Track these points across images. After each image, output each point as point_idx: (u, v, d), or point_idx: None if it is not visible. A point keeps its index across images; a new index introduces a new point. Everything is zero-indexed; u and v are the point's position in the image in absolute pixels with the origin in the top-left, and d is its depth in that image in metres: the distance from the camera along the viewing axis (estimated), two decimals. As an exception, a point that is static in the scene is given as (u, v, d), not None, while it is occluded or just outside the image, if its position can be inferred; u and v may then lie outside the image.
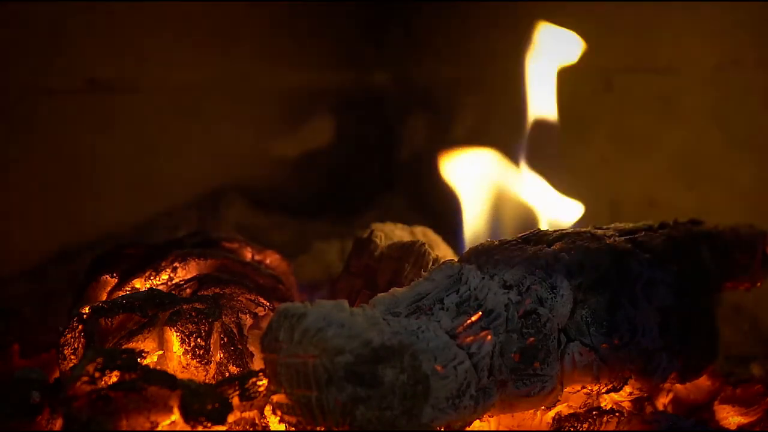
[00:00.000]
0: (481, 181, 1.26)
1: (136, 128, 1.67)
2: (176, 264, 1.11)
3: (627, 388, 0.98)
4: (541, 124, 1.27)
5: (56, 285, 1.52)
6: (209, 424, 0.86)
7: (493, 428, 0.97)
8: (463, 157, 1.27)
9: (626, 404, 1.02)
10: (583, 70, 1.65)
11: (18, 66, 1.50)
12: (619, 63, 1.61)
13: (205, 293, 1.07)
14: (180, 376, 0.91)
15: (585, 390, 0.98)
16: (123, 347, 0.98)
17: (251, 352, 1.04)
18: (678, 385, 1.05)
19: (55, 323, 1.08)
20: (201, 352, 1.00)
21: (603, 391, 0.98)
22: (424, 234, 1.28)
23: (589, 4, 1.59)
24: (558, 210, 1.24)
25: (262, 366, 0.90)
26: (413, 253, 1.10)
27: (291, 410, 0.85)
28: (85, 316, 1.01)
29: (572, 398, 0.99)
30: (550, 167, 1.28)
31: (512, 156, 1.28)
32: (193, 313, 1.01)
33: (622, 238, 1.00)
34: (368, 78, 1.98)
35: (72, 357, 1.01)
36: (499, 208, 1.24)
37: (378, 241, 1.16)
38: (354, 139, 1.98)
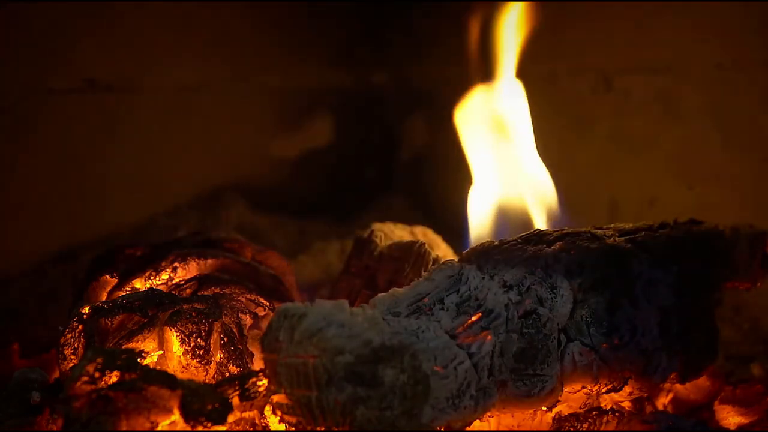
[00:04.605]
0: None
1: (136, 128, 1.67)
2: (176, 264, 1.11)
3: (627, 388, 0.98)
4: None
5: (56, 285, 1.52)
6: (209, 424, 0.86)
7: (493, 428, 0.97)
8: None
9: (626, 404, 1.02)
10: (583, 70, 1.65)
11: (18, 66, 1.50)
12: (619, 63, 1.61)
13: (205, 293, 1.07)
14: (180, 376, 0.91)
15: (585, 390, 0.98)
16: (123, 347, 0.98)
17: (251, 352, 1.04)
18: (678, 385, 1.05)
19: (55, 323, 1.08)
20: (201, 352, 1.00)
21: (603, 391, 0.98)
22: (424, 234, 1.28)
23: (588, 4, 1.59)
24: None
25: (262, 366, 0.90)
26: (413, 253, 1.10)
27: (291, 410, 0.85)
28: (85, 316, 1.02)
29: (572, 398, 0.99)
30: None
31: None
32: (193, 313, 1.01)
33: (622, 238, 1.00)
34: (368, 78, 1.98)
35: (72, 357, 1.01)
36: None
37: (378, 241, 1.16)
38: (354, 139, 1.98)
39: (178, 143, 1.73)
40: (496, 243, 1.01)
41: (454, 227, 1.33)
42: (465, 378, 0.88)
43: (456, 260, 1.00)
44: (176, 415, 0.87)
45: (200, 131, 1.77)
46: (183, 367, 1.00)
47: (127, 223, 1.67)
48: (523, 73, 1.36)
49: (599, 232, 1.01)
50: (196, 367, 1.00)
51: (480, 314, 0.91)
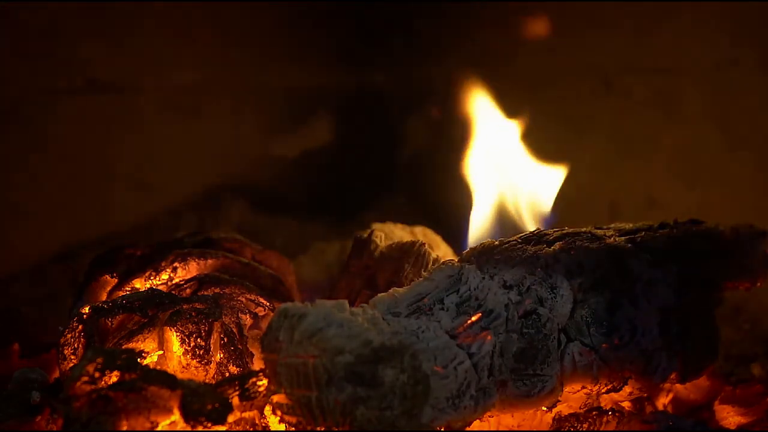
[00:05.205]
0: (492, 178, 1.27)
1: (136, 128, 1.67)
2: (176, 264, 1.11)
3: (627, 388, 0.98)
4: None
5: (56, 285, 1.52)
6: (209, 424, 0.86)
7: (493, 428, 0.97)
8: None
9: (626, 404, 1.02)
10: (583, 70, 1.65)
11: (18, 66, 1.50)
12: (619, 63, 1.61)
13: (205, 293, 1.07)
14: (180, 376, 0.91)
15: (585, 390, 0.98)
16: (123, 347, 0.98)
17: (251, 352, 1.04)
18: (678, 385, 1.05)
19: (55, 323, 1.08)
20: (201, 352, 1.00)
21: (603, 391, 0.98)
22: (424, 234, 1.28)
23: (589, 4, 1.59)
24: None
25: (262, 366, 0.90)
26: (413, 253, 1.10)
27: (291, 410, 0.85)
28: (85, 316, 1.01)
29: (572, 398, 0.99)
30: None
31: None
32: (193, 313, 1.01)
33: (622, 238, 1.00)
34: (368, 78, 1.98)
35: (72, 357, 1.01)
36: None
37: (378, 241, 1.16)
38: (354, 139, 1.98)
39: (178, 143, 1.73)
40: (496, 243, 1.01)
41: (454, 227, 1.33)
42: (465, 378, 0.88)
43: (456, 260, 1.00)
44: (176, 415, 0.87)
45: (200, 131, 1.77)
46: (183, 367, 1.00)
47: (127, 223, 1.67)
48: (523, 73, 1.36)
49: (599, 232, 1.01)
50: (196, 367, 1.00)
51: (480, 314, 0.91)
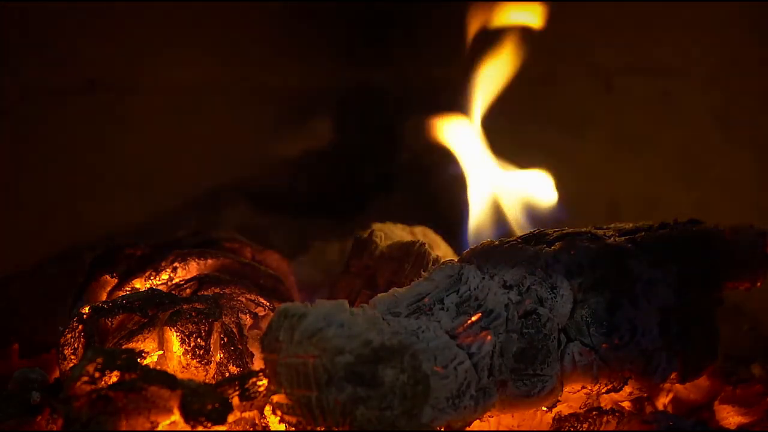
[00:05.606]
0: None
1: (136, 128, 1.67)
2: (176, 264, 1.11)
3: (627, 388, 0.98)
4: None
5: (56, 285, 1.52)
6: (209, 424, 0.86)
7: (493, 428, 0.97)
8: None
9: (626, 404, 1.02)
10: (583, 70, 1.65)
11: (18, 66, 1.50)
12: (619, 63, 1.61)
13: (205, 293, 1.07)
14: (180, 376, 0.91)
15: (585, 390, 0.98)
16: (123, 347, 0.98)
17: (251, 352, 1.04)
18: (678, 385, 1.05)
19: (55, 323, 1.08)
20: (201, 352, 1.00)
21: (603, 391, 0.98)
22: (424, 234, 1.28)
23: (589, 4, 1.59)
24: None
25: (262, 366, 0.90)
26: (413, 253, 1.10)
27: (291, 410, 0.85)
28: (85, 316, 1.02)
29: (572, 398, 0.99)
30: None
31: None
32: (193, 313, 1.01)
33: (622, 238, 1.00)
34: (368, 78, 1.98)
35: (72, 357, 1.01)
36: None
37: (378, 241, 1.16)
38: (354, 139, 1.98)
39: (178, 143, 1.73)
40: (496, 243, 1.01)
41: (454, 227, 1.33)
42: (465, 378, 0.88)
43: (456, 260, 1.00)
44: (176, 415, 0.87)
45: (200, 131, 1.77)
46: (183, 367, 1.00)
47: (127, 223, 1.67)
48: (522, 73, 1.36)
49: (599, 232, 1.01)
50: (196, 367, 1.00)
51: (480, 314, 0.91)
